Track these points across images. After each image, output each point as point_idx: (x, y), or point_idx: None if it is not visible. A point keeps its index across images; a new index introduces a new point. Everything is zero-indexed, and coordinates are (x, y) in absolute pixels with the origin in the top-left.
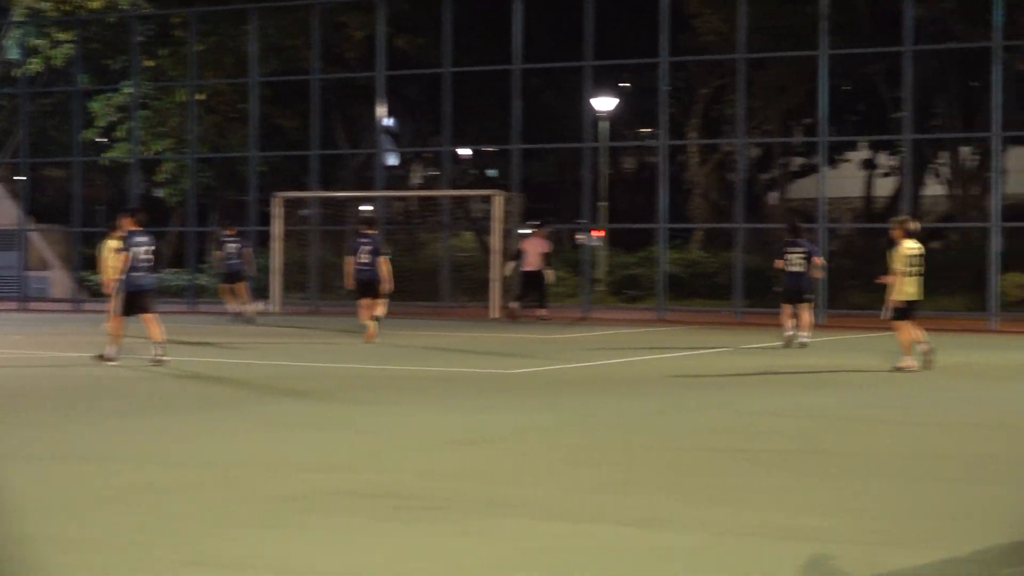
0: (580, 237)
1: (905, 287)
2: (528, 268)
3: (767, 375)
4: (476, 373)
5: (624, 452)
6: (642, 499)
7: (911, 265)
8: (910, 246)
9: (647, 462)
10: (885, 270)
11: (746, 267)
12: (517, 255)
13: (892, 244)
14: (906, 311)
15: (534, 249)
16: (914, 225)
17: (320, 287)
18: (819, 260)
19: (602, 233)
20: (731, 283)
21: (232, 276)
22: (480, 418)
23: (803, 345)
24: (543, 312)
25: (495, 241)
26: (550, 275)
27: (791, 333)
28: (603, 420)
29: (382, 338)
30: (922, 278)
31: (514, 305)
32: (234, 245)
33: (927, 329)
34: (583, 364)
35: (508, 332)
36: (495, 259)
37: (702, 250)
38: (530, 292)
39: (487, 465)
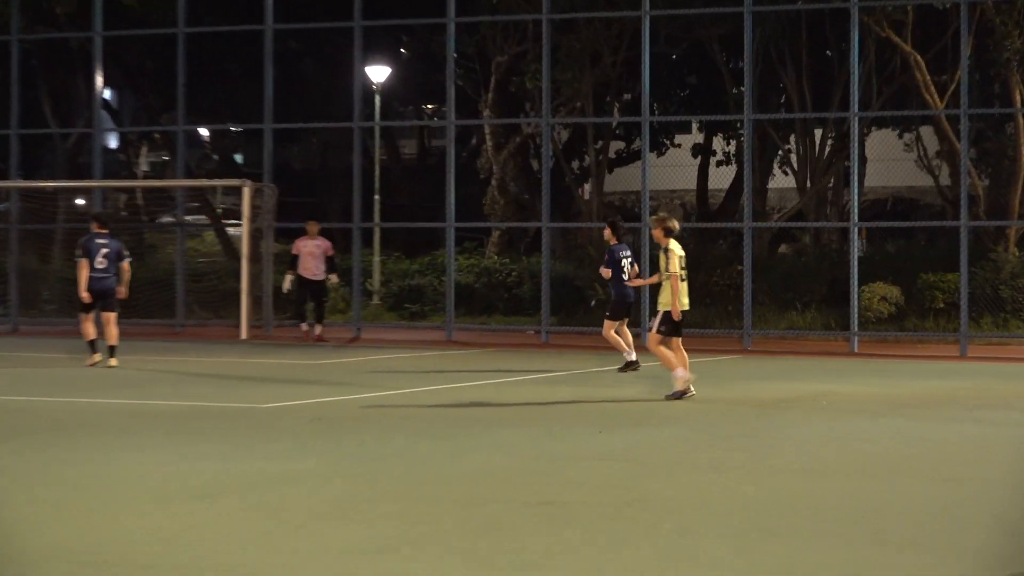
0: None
1: (683, 296)
2: (309, 275)
3: (577, 408)
4: (219, 408)
5: (405, 505)
6: (429, 565)
7: (683, 269)
8: (678, 248)
9: (434, 518)
10: (728, 279)
11: (555, 276)
12: (294, 261)
13: (659, 247)
14: (679, 325)
15: (315, 251)
16: (675, 224)
17: (21, 300)
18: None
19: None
20: (536, 296)
21: None
22: (220, 464)
23: (630, 366)
24: (318, 330)
25: (244, 244)
26: (333, 280)
27: (634, 356)
28: (378, 466)
29: (102, 364)
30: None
31: (306, 328)
32: None
33: (783, 352)
34: (353, 396)
35: (262, 357)
36: (244, 266)
37: (500, 255)
38: (304, 305)
39: (226, 524)
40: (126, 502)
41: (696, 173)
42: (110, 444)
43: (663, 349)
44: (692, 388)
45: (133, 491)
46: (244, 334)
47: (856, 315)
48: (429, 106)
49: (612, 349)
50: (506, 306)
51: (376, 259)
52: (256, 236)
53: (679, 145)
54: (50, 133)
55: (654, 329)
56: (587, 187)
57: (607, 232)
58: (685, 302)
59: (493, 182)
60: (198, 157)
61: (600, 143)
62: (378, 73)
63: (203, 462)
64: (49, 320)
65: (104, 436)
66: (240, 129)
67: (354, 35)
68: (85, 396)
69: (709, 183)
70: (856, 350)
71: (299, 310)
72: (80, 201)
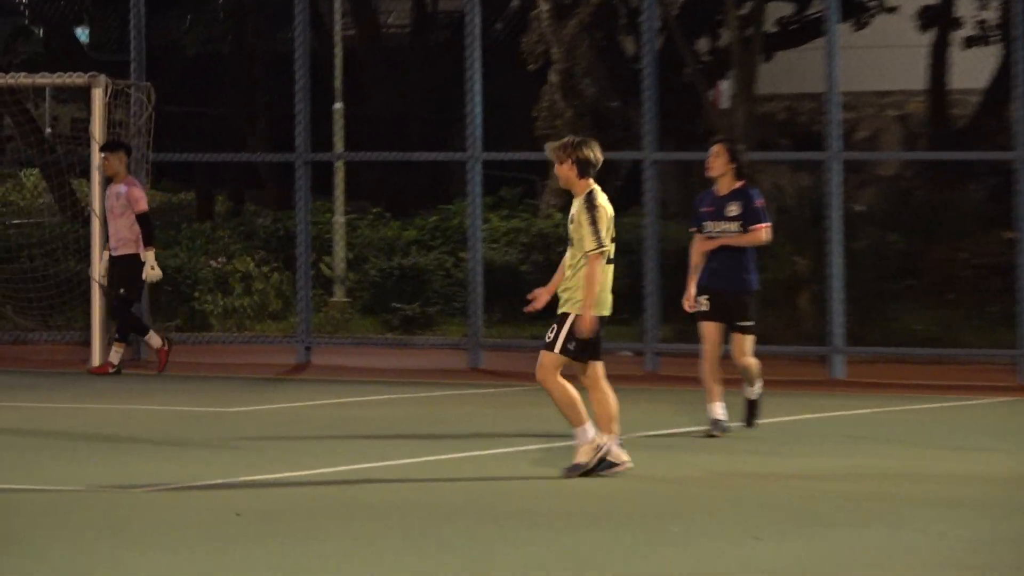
0: None
1: (606, 291)
2: (118, 251)
3: (713, 490)
4: (64, 494)
5: None
6: None
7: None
8: (604, 202)
9: None
10: (988, 256)
11: (669, 250)
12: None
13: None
14: (595, 342)
15: (114, 206)
16: (596, 153)
17: None
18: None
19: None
20: (634, 287)
21: None
22: None
23: (750, 420)
24: (94, 361)
25: (95, 190)
26: (149, 263)
27: (721, 415)
28: None
29: None
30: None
31: (118, 349)
32: None
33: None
34: (299, 472)
35: (133, 400)
36: (96, 233)
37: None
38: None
39: None
40: None
41: (927, 61)
42: None
43: (562, 384)
44: (624, 456)
45: None
46: (97, 359)
47: None
48: None
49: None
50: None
51: (339, 220)
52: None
53: (893, 9)
54: None
55: (557, 347)
56: (724, 87)
57: (723, 160)
58: (608, 301)
59: (553, 78)
60: (7, 33)
61: (747, 6)
62: None
63: None
64: None
65: None
66: None
67: None
68: None
69: (950, 80)
70: None
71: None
72: None
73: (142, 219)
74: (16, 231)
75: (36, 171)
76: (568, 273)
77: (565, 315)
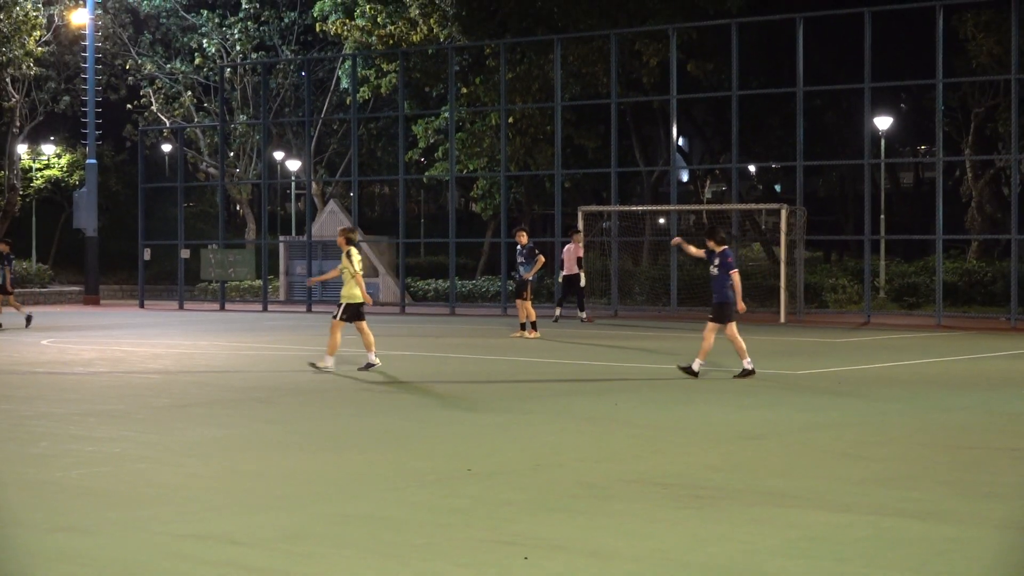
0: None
1: (356, 289)
2: (566, 273)
3: None
4: (762, 374)
5: (904, 448)
6: (921, 493)
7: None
8: (356, 253)
9: (926, 458)
10: None
11: (1021, 276)
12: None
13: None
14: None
15: (570, 255)
16: (356, 235)
17: (619, 292)
18: None
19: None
20: (1006, 291)
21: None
22: (766, 414)
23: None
24: (584, 315)
25: (782, 251)
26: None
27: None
28: (883, 418)
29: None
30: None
31: (558, 311)
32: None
33: None
34: (866, 366)
35: (791, 335)
36: (782, 268)
37: (978, 259)
38: (569, 296)
39: (772, 458)
40: (701, 441)
41: None
42: (684, 399)
43: (338, 335)
44: (330, 364)
45: (706, 433)
46: (783, 318)
47: None
48: (922, 147)
49: None
50: (982, 299)
51: (882, 263)
52: (791, 246)
53: None
54: (638, 171)
55: (337, 316)
56: None
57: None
58: (357, 293)
59: (972, 203)
60: (747, 187)
61: None
62: (882, 122)
63: (754, 412)
64: (640, 308)
65: (681, 393)
66: (778, 166)
67: (864, 94)
68: (667, 363)
69: None
70: None
71: None
72: (661, 220)
73: (579, 260)
74: (750, 266)
75: (758, 244)
76: None
77: (340, 303)
